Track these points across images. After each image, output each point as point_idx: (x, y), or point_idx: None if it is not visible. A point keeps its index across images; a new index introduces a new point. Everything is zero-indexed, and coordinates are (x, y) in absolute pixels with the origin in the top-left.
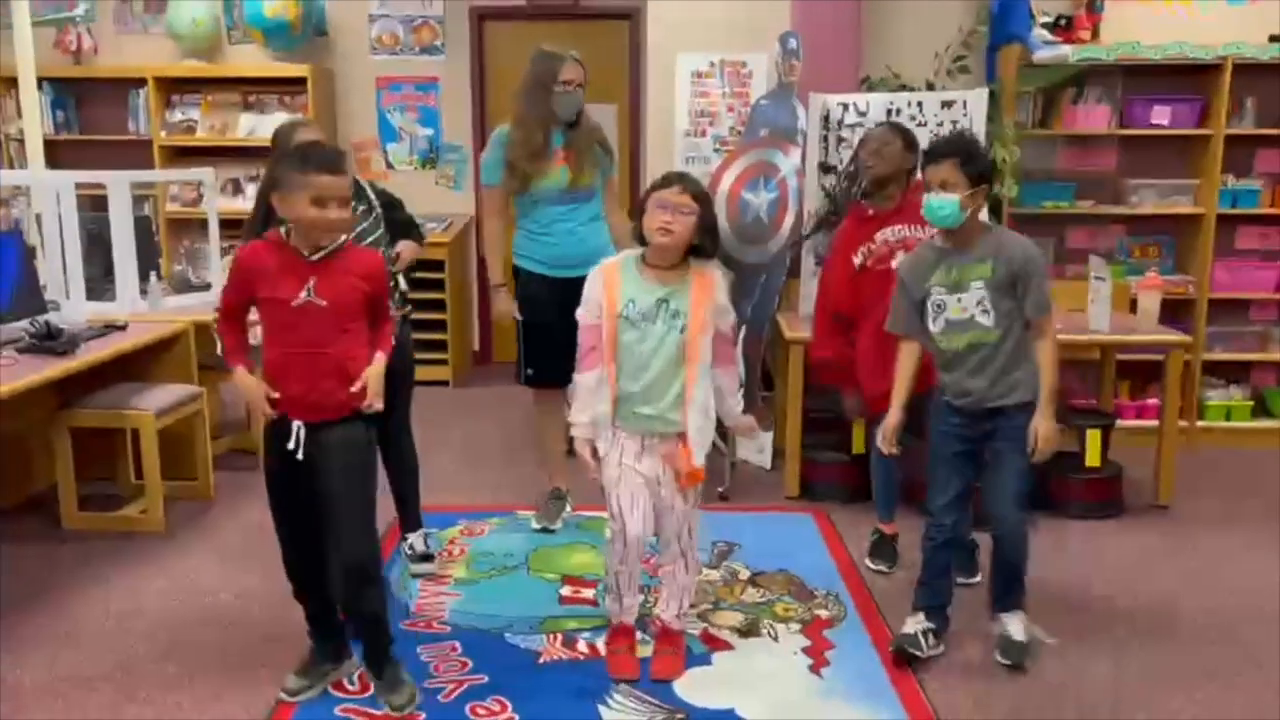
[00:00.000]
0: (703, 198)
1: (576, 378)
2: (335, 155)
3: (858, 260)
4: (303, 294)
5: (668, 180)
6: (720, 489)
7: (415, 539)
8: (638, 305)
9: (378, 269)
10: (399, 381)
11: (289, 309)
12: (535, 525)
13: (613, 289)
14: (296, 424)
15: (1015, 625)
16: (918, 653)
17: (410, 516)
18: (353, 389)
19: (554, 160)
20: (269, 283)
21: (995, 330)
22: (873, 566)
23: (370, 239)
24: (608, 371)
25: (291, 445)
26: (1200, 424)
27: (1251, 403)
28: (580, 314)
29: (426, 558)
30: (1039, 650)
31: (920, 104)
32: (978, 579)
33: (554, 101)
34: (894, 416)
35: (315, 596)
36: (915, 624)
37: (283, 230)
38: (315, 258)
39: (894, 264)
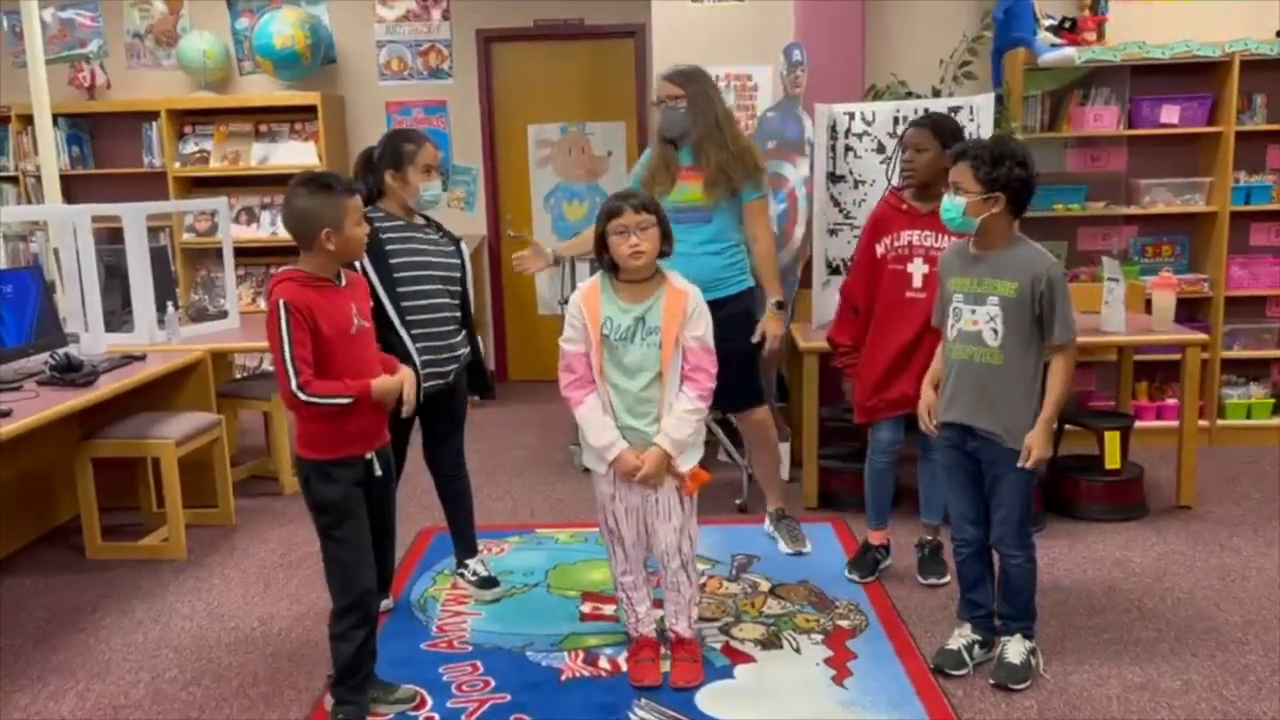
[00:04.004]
0: (654, 207)
1: (577, 411)
2: (340, 175)
3: (880, 250)
4: (355, 320)
5: (618, 208)
6: (738, 501)
7: (475, 564)
8: (616, 324)
9: (364, 282)
10: (451, 405)
11: (349, 338)
12: (789, 550)
13: (594, 312)
14: (370, 455)
15: (1013, 648)
16: (958, 672)
17: (468, 543)
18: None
19: (677, 178)
20: (328, 317)
21: (998, 353)
22: (847, 576)
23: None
24: (601, 391)
25: (379, 471)
26: (1221, 423)
27: (1272, 400)
28: (563, 342)
29: (491, 582)
30: (1033, 676)
31: (927, 111)
32: (946, 579)
33: (659, 118)
34: (925, 396)
35: (374, 621)
36: (960, 638)
37: (300, 268)
38: (345, 283)
39: (910, 268)
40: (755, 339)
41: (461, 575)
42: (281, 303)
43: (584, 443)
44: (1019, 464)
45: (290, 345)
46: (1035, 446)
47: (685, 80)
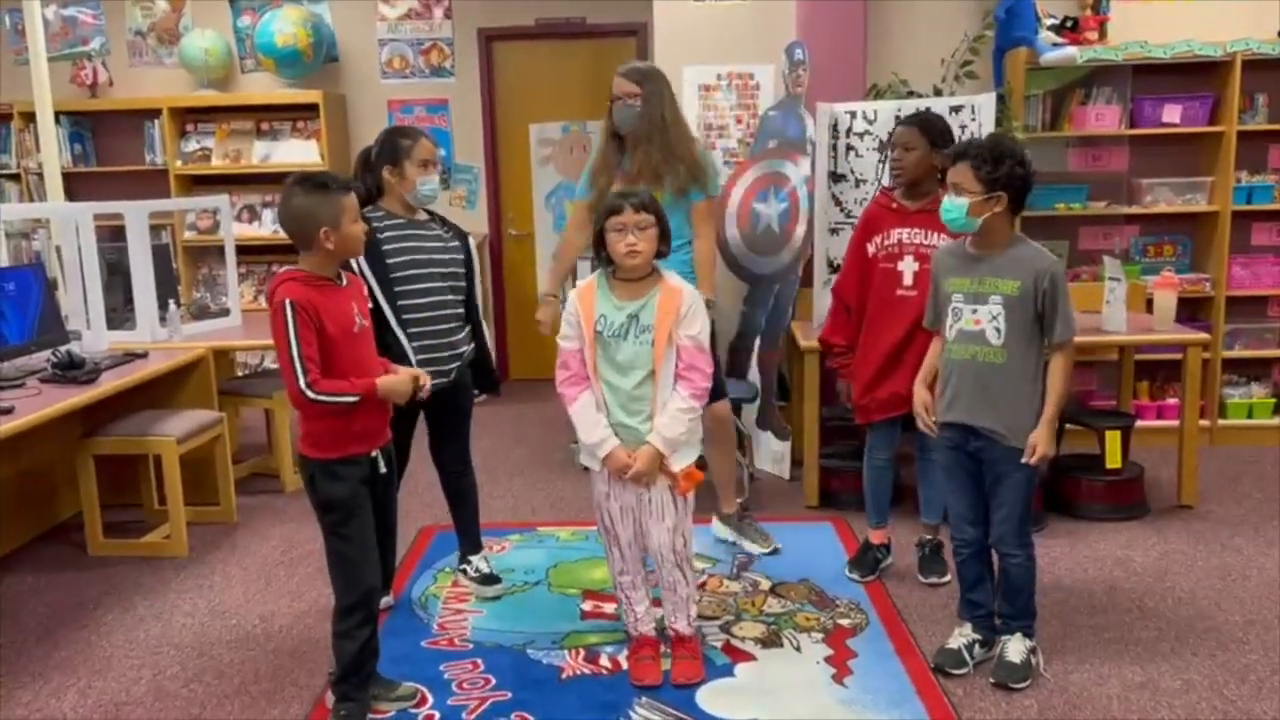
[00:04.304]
0: (654, 207)
1: (571, 408)
2: (335, 174)
3: (870, 249)
4: (357, 319)
5: (619, 205)
6: (740, 500)
7: (479, 561)
8: (610, 321)
9: (362, 283)
10: (455, 403)
11: (352, 337)
12: (763, 551)
13: (589, 308)
14: (374, 453)
15: (1013, 647)
16: (959, 671)
17: (473, 539)
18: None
19: (620, 177)
20: (332, 316)
21: (1000, 351)
22: (848, 575)
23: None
24: (594, 388)
25: (384, 469)
26: (1222, 422)
27: (1273, 400)
28: (560, 339)
29: (493, 579)
30: (1033, 675)
31: (928, 110)
32: (947, 579)
33: (613, 116)
34: (919, 395)
35: (377, 619)
36: (961, 637)
37: (301, 268)
38: (346, 283)
39: (900, 266)
40: None
41: (464, 572)
42: (288, 302)
43: (580, 440)
44: (1024, 460)
45: (297, 344)
46: (1040, 443)
47: (641, 78)
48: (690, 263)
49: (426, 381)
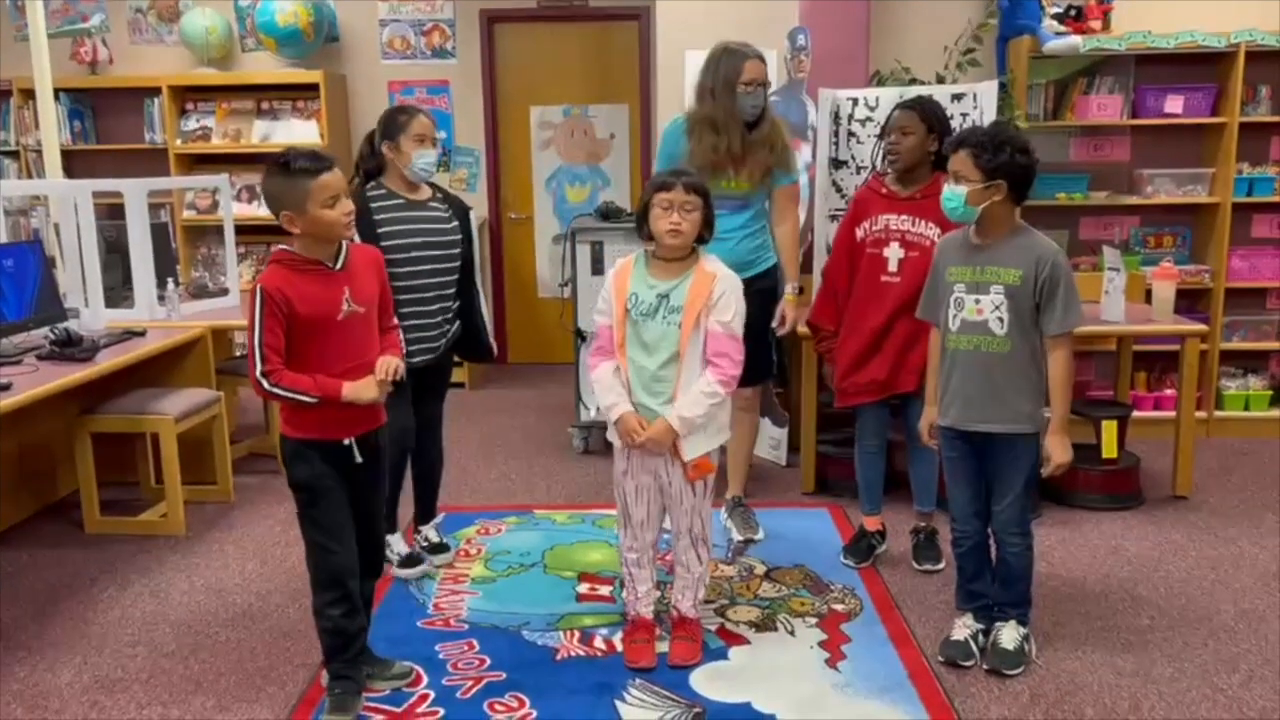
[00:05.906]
0: (703, 191)
1: (592, 374)
2: (317, 152)
3: (859, 234)
4: (345, 305)
5: (669, 183)
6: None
7: (429, 530)
8: (640, 300)
9: (379, 258)
10: (437, 377)
11: (335, 324)
12: (739, 537)
13: (622, 286)
14: (349, 441)
15: (1007, 634)
16: (967, 663)
17: (428, 509)
18: (383, 378)
19: (732, 163)
20: (310, 303)
21: (1004, 340)
22: (843, 560)
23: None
24: (620, 364)
25: (359, 459)
26: (1218, 414)
27: (1270, 392)
28: (595, 314)
29: (442, 548)
30: (1026, 662)
31: (930, 97)
32: (941, 566)
33: (737, 102)
34: (929, 412)
35: (354, 599)
36: (963, 628)
37: (292, 248)
38: (340, 265)
39: (885, 252)
40: (774, 323)
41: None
42: (259, 288)
43: (596, 403)
44: (1044, 474)
45: (260, 332)
46: (1054, 452)
47: (763, 59)
48: (766, 244)
49: (400, 370)
